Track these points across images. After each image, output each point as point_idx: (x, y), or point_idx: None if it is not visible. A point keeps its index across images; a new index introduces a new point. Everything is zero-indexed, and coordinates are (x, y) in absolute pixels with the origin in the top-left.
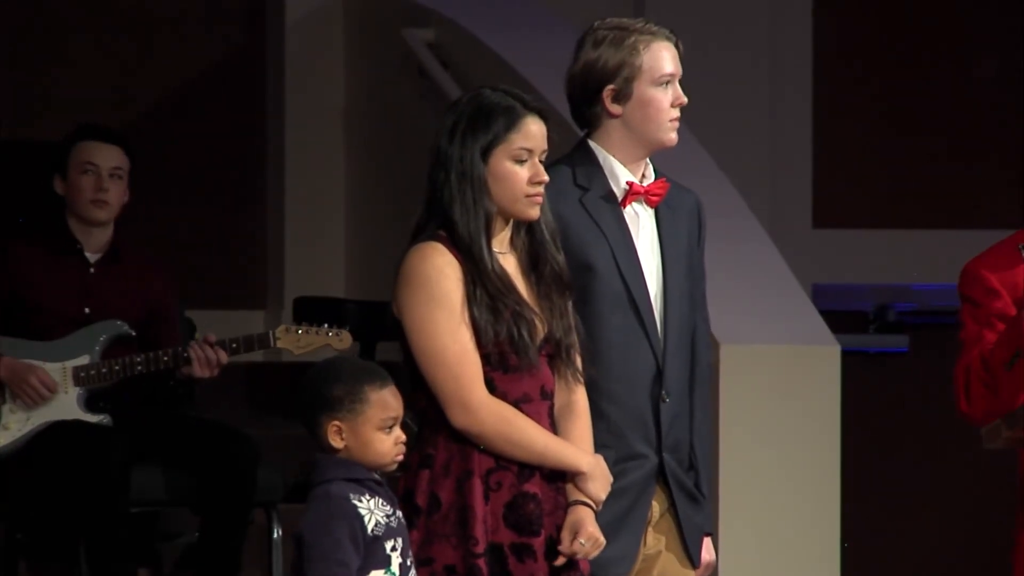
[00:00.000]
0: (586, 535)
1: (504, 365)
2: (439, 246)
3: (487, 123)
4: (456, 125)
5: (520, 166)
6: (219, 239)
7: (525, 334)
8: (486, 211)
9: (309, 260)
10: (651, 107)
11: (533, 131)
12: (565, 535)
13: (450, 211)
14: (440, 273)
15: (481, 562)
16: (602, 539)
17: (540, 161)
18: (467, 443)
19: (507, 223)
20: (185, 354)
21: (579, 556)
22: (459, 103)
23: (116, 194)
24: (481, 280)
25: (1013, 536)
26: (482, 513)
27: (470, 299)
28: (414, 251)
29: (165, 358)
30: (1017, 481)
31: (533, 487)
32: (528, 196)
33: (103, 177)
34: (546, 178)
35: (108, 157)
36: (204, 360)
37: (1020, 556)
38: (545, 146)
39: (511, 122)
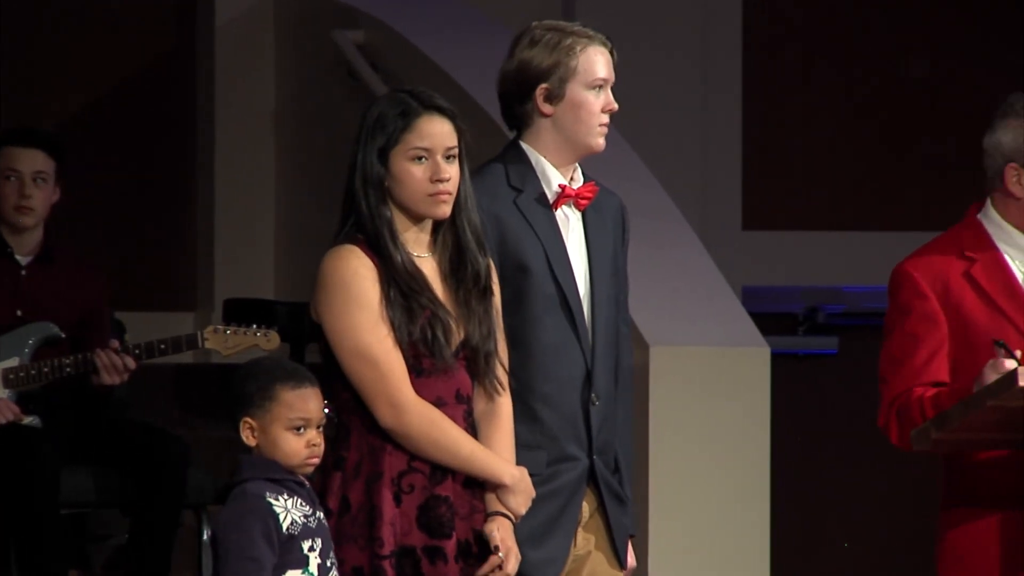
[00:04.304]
0: (504, 548)
1: (417, 368)
2: (355, 248)
3: (383, 126)
4: (362, 130)
5: (418, 165)
6: (149, 241)
7: (440, 335)
8: (384, 214)
9: (239, 262)
10: (582, 110)
11: (430, 130)
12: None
13: (358, 215)
14: (356, 275)
15: (387, 564)
16: (516, 550)
17: (448, 158)
18: (378, 445)
19: (421, 225)
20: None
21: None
22: (369, 107)
23: (41, 199)
24: (395, 280)
25: (936, 534)
26: (389, 515)
27: (385, 300)
28: (330, 254)
29: (68, 366)
30: (942, 477)
31: (445, 490)
32: (430, 195)
33: (25, 183)
34: (447, 175)
35: (30, 162)
36: (110, 366)
37: (942, 555)
38: (449, 143)
39: (406, 123)
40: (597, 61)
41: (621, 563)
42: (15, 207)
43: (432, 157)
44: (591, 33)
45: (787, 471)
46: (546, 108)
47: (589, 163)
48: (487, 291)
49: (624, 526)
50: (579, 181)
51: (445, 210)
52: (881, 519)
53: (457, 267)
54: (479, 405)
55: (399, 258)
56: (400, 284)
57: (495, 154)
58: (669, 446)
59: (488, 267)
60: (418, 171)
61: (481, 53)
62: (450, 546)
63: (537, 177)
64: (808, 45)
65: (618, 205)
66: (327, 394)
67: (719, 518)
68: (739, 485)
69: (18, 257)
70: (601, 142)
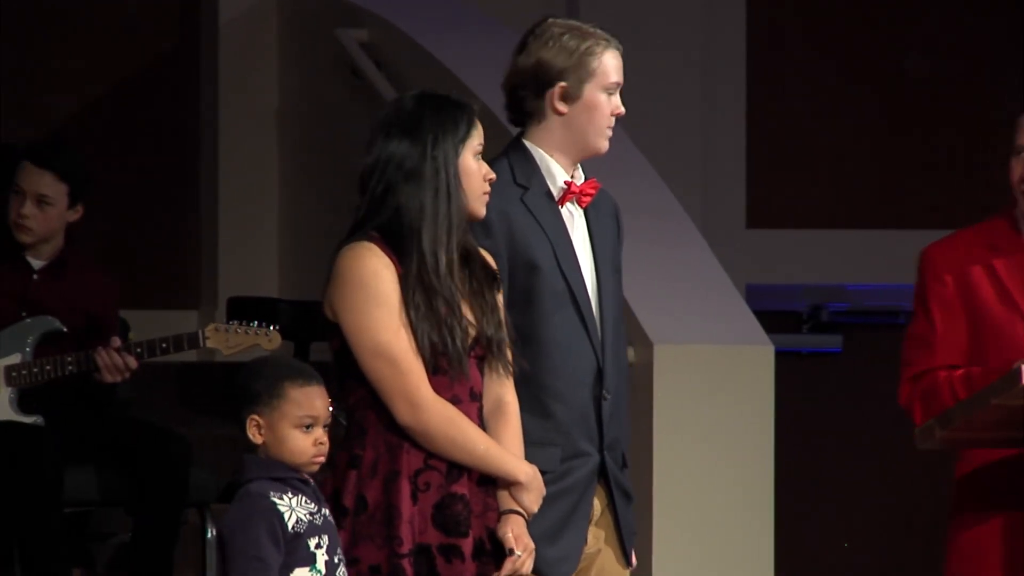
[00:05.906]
0: (522, 545)
1: (434, 366)
2: (374, 247)
3: (455, 121)
4: (416, 126)
5: (478, 163)
6: (153, 239)
7: (459, 344)
8: (461, 210)
9: (243, 260)
10: (596, 111)
11: (481, 128)
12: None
13: (416, 214)
14: (376, 276)
15: (405, 562)
16: (532, 546)
17: None
18: (395, 443)
19: None
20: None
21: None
22: (404, 106)
23: (41, 220)
24: (423, 285)
25: (947, 534)
26: (408, 514)
27: (407, 303)
28: (349, 252)
29: (70, 363)
30: (952, 480)
31: (461, 488)
32: (484, 193)
33: (26, 203)
34: (495, 175)
35: (35, 183)
36: (111, 366)
37: (953, 554)
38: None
39: (471, 119)
40: (613, 65)
41: (628, 560)
42: (13, 223)
43: (480, 155)
44: (607, 36)
45: (790, 469)
46: (560, 107)
47: (594, 160)
48: (495, 278)
49: (630, 523)
50: (580, 179)
51: (484, 211)
52: (884, 517)
53: (466, 260)
54: (489, 395)
55: (449, 265)
56: (440, 289)
57: (497, 153)
58: (673, 444)
59: (487, 256)
60: (480, 169)
61: (485, 52)
62: (467, 544)
63: (542, 174)
64: (811, 43)
65: (612, 203)
66: (336, 393)
67: (723, 516)
68: (743, 483)
69: (32, 261)
70: (606, 144)
